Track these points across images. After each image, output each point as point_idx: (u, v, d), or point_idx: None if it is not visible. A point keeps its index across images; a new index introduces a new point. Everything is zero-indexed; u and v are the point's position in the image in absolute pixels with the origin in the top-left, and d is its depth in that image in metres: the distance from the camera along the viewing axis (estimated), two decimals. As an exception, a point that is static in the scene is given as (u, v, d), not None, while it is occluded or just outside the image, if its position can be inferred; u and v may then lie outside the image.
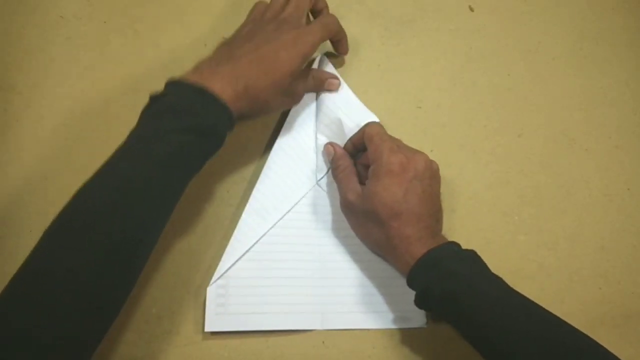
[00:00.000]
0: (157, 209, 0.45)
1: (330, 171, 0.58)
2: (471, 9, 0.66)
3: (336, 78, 0.60)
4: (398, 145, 0.53)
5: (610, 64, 0.65)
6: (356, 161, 0.57)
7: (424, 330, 0.53)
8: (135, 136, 0.46)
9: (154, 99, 0.47)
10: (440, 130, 0.61)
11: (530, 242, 0.57)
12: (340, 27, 0.58)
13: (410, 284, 0.49)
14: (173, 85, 0.47)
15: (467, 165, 0.60)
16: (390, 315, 0.54)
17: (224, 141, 0.48)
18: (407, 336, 0.53)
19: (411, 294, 0.53)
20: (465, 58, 0.64)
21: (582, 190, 0.60)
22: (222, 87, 0.47)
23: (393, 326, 0.53)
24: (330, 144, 0.58)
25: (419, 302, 0.49)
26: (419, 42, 0.64)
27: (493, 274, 0.48)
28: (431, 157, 0.57)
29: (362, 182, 0.55)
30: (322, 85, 0.59)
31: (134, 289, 0.45)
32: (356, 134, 0.56)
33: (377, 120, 0.60)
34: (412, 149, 0.54)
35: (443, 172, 0.57)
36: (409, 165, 0.51)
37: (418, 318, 0.53)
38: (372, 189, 0.51)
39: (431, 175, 0.52)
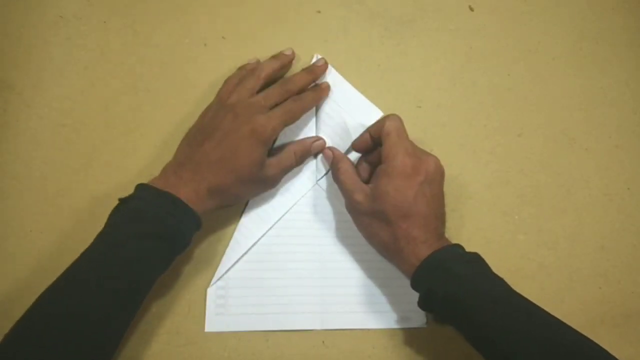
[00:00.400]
0: (119, 310, 0.46)
1: (330, 172, 0.58)
2: (471, 9, 0.66)
3: (320, 139, 0.58)
4: (412, 146, 0.53)
5: (610, 64, 0.65)
6: (361, 159, 0.57)
7: (424, 330, 0.53)
8: (100, 241, 0.47)
9: (123, 202, 0.48)
10: (440, 129, 0.61)
11: (530, 242, 0.57)
12: (305, 110, 0.57)
13: (414, 285, 0.49)
14: (141, 190, 0.49)
15: (467, 164, 0.60)
16: (390, 315, 0.54)
17: (190, 242, 0.50)
18: (407, 336, 0.53)
19: (411, 294, 0.53)
20: (465, 58, 0.64)
21: (582, 189, 0.60)
22: (186, 192, 0.49)
23: (393, 326, 0.53)
24: (329, 148, 0.58)
25: (423, 303, 0.49)
26: (419, 42, 0.64)
27: (495, 276, 0.48)
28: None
29: (363, 181, 0.55)
30: (307, 153, 0.57)
31: None
32: (375, 124, 0.56)
33: (381, 113, 0.61)
34: (424, 151, 0.54)
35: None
36: (420, 168, 0.51)
37: (418, 318, 0.53)
38: (383, 188, 0.51)
39: (440, 179, 0.53)
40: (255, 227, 0.55)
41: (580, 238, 0.58)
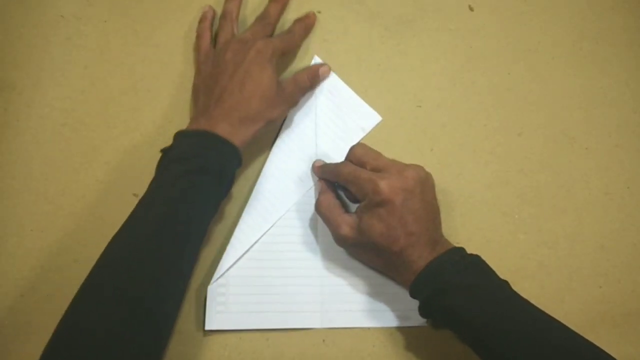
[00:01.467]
0: (184, 248, 0.48)
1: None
2: (471, 9, 0.66)
3: (324, 65, 0.61)
4: (379, 167, 0.51)
5: (610, 64, 0.65)
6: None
7: (424, 329, 0.53)
8: (150, 188, 0.49)
9: (164, 151, 0.51)
10: (440, 129, 0.61)
11: (530, 241, 0.57)
12: (298, 41, 0.61)
13: (413, 297, 0.50)
14: (179, 135, 0.52)
15: (467, 164, 0.60)
16: (390, 314, 0.54)
17: (233, 179, 0.52)
18: (407, 335, 0.53)
19: None
20: (465, 58, 0.64)
21: (582, 189, 0.60)
22: (222, 127, 0.51)
23: (393, 325, 0.53)
24: (319, 180, 0.57)
25: (422, 313, 0.50)
26: (419, 42, 0.64)
27: (495, 280, 0.48)
28: (431, 156, 0.57)
29: (352, 200, 0.55)
30: (317, 78, 0.60)
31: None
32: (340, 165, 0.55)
33: (378, 118, 0.61)
34: (394, 165, 0.52)
35: (443, 171, 0.57)
36: (396, 188, 0.49)
37: (418, 317, 0.53)
38: (367, 221, 0.50)
39: (422, 188, 0.51)
40: (255, 225, 0.55)
41: (580, 238, 0.58)
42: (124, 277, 0.44)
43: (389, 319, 0.54)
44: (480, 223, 0.58)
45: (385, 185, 0.49)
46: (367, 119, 0.60)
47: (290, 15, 0.64)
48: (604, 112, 0.63)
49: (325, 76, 0.60)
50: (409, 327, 0.53)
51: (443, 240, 0.52)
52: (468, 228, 0.57)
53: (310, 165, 0.58)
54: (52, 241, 0.54)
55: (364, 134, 0.60)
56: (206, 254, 0.55)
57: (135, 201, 0.54)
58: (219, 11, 0.62)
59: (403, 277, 0.51)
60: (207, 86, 0.54)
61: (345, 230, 0.52)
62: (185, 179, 0.48)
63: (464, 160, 0.60)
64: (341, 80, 0.61)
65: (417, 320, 0.53)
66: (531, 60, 0.64)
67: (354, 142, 0.59)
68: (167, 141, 0.58)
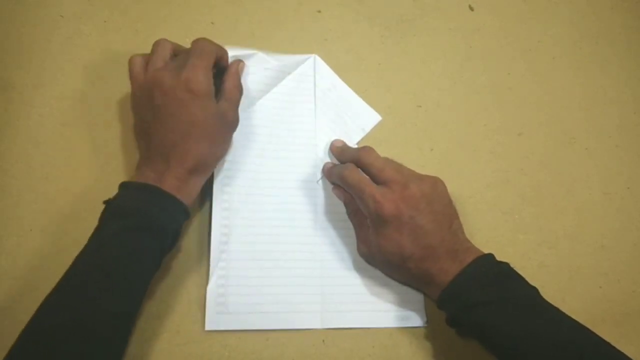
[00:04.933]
0: (120, 310, 0.45)
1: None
2: (471, 8, 0.66)
3: (239, 62, 0.56)
4: (383, 180, 0.50)
5: (610, 64, 0.65)
6: None
7: (424, 329, 0.53)
8: (89, 243, 0.46)
9: (107, 202, 0.48)
10: (440, 129, 0.61)
11: (531, 241, 0.57)
12: (216, 45, 0.53)
13: (440, 309, 0.50)
14: (122, 187, 0.48)
15: (467, 164, 0.60)
16: (390, 315, 0.54)
17: (179, 232, 0.49)
18: (407, 335, 0.53)
19: (411, 293, 0.54)
20: (465, 57, 0.64)
21: (582, 189, 0.60)
22: (169, 182, 0.47)
23: (393, 325, 0.53)
24: (337, 187, 0.56)
25: (449, 324, 0.50)
26: (419, 42, 0.64)
27: (524, 290, 0.47)
28: (431, 156, 0.57)
29: None
30: (239, 81, 0.54)
31: None
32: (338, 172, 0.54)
33: (378, 118, 0.60)
34: (399, 179, 0.50)
35: (443, 171, 0.57)
36: (401, 204, 0.48)
37: (418, 317, 0.53)
38: (376, 242, 0.50)
39: (428, 200, 0.49)
40: (255, 225, 0.56)
41: (580, 237, 0.58)
42: (50, 348, 0.41)
43: (389, 319, 0.53)
44: (481, 223, 0.58)
45: (388, 204, 0.48)
46: (367, 119, 0.60)
47: (291, 14, 0.64)
48: (604, 112, 0.63)
49: (242, 71, 0.56)
50: (409, 327, 0.53)
51: (466, 246, 0.50)
52: (468, 228, 0.57)
53: (310, 165, 0.58)
54: (52, 241, 0.54)
55: (364, 134, 0.60)
56: (206, 254, 0.54)
57: (135, 201, 0.54)
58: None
59: (427, 290, 0.51)
60: (144, 131, 0.50)
61: (364, 247, 0.53)
62: (124, 237, 0.45)
63: (464, 160, 0.60)
64: (341, 80, 0.61)
65: (417, 320, 0.53)
66: (531, 60, 0.65)
67: (354, 142, 0.60)
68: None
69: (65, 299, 0.44)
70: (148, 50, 0.61)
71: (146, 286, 0.47)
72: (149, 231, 0.46)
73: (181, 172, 0.48)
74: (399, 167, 0.52)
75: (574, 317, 0.46)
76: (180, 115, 0.48)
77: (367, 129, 0.60)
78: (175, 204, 0.47)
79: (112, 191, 0.56)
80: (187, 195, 0.48)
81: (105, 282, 0.44)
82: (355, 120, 0.60)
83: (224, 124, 0.51)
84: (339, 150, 0.57)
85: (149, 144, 0.49)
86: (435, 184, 0.51)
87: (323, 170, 0.57)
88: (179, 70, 0.48)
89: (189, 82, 0.47)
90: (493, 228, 0.58)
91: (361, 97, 0.61)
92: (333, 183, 0.57)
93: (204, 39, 0.53)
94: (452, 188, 0.55)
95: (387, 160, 0.52)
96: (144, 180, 0.47)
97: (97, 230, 0.47)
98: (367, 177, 0.51)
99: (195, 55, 0.50)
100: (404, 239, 0.48)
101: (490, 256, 0.49)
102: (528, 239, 0.57)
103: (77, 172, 0.57)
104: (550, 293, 0.52)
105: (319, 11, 0.64)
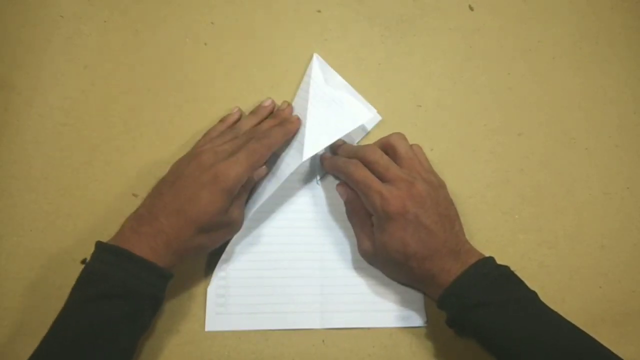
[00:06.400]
0: None
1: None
2: (471, 8, 0.66)
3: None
4: (389, 178, 0.50)
5: (609, 64, 0.65)
6: None
7: (424, 329, 0.53)
8: (62, 309, 0.45)
9: (84, 264, 0.47)
10: (440, 129, 0.61)
11: (531, 241, 0.57)
12: (273, 147, 0.53)
13: (441, 309, 0.50)
14: (97, 249, 0.47)
15: (467, 164, 0.60)
16: (390, 314, 0.54)
17: (160, 295, 0.47)
18: (406, 335, 0.53)
19: (411, 293, 0.54)
20: (465, 57, 0.64)
21: (582, 189, 0.60)
22: (141, 248, 0.46)
23: (393, 325, 0.53)
24: (342, 185, 0.57)
25: (449, 324, 0.50)
26: (419, 41, 0.64)
27: (523, 294, 0.48)
28: (431, 156, 0.57)
29: None
30: (250, 182, 0.54)
31: None
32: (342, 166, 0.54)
33: (378, 117, 0.61)
34: (404, 177, 0.50)
35: (443, 171, 0.57)
36: (406, 203, 0.48)
37: (418, 317, 0.53)
38: (380, 239, 0.50)
39: (433, 200, 0.50)
40: (255, 225, 0.55)
41: (580, 237, 0.58)
42: None
43: (389, 319, 0.53)
44: (481, 223, 0.58)
45: (394, 200, 0.48)
46: (362, 112, 0.60)
47: (291, 14, 0.64)
48: (604, 111, 0.63)
49: (260, 176, 0.55)
50: (409, 327, 0.53)
51: (467, 248, 0.51)
52: (468, 228, 0.57)
53: (311, 164, 0.58)
54: (52, 241, 0.54)
55: (364, 134, 0.60)
56: (206, 255, 0.54)
57: (135, 201, 0.54)
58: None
59: (429, 290, 0.51)
60: (158, 189, 0.50)
61: (367, 245, 0.53)
62: (94, 304, 0.44)
63: (464, 160, 0.60)
64: (342, 79, 0.61)
65: (417, 320, 0.53)
66: (531, 60, 0.64)
67: (355, 142, 0.59)
68: (167, 141, 0.58)
69: None
70: (148, 49, 0.61)
71: (130, 352, 0.46)
72: (121, 297, 0.44)
73: (159, 244, 0.46)
74: (401, 167, 0.52)
75: (574, 317, 0.46)
76: (192, 193, 0.47)
77: (368, 129, 0.60)
78: (152, 269, 0.46)
79: (113, 191, 0.56)
80: (165, 264, 0.47)
81: (79, 356, 0.43)
82: (349, 116, 0.59)
83: (224, 223, 0.49)
84: (339, 147, 0.57)
85: (153, 203, 0.48)
86: (439, 184, 0.52)
87: (322, 161, 0.57)
88: (224, 157, 0.49)
89: (219, 174, 0.48)
90: (493, 228, 0.58)
91: (361, 96, 0.61)
92: (335, 177, 0.57)
93: (277, 130, 0.54)
94: (452, 188, 0.55)
95: (390, 161, 0.52)
96: (120, 242, 0.46)
97: (69, 295, 0.45)
98: (378, 173, 0.51)
99: (247, 150, 0.50)
100: (408, 237, 0.48)
101: (491, 259, 0.49)
102: (528, 239, 0.57)
103: (77, 172, 0.57)
104: (550, 293, 0.52)
105: (319, 11, 0.64)
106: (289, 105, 0.59)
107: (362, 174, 0.51)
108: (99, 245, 0.47)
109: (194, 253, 0.49)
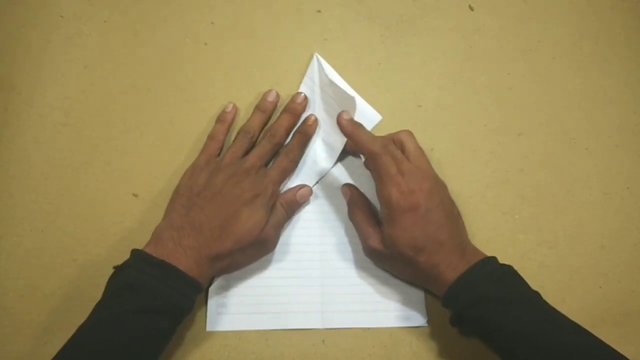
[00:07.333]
0: None
1: (331, 171, 0.58)
2: (471, 8, 0.66)
3: (304, 186, 0.56)
4: (403, 171, 0.50)
5: (609, 64, 0.65)
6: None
7: (424, 329, 0.53)
8: (97, 317, 0.44)
9: (118, 270, 0.47)
10: (440, 129, 0.61)
11: (531, 241, 0.57)
12: (297, 161, 0.57)
13: (445, 306, 0.49)
14: (136, 258, 0.47)
15: (467, 164, 0.60)
16: (390, 314, 0.54)
17: (192, 308, 0.48)
18: (407, 335, 0.53)
19: (411, 293, 0.54)
20: (465, 57, 0.64)
21: (582, 189, 0.60)
22: (187, 262, 0.47)
23: (393, 325, 0.53)
24: (347, 185, 0.57)
25: (452, 322, 0.50)
26: (419, 41, 0.64)
27: (527, 292, 0.48)
28: (431, 156, 0.57)
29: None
30: (295, 204, 0.56)
31: None
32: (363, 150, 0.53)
33: (378, 117, 0.61)
34: (416, 172, 0.50)
35: (443, 171, 0.57)
36: (419, 199, 0.49)
37: (418, 317, 0.53)
38: (391, 233, 0.50)
39: (441, 197, 0.51)
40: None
41: (580, 237, 0.58)
42: None
43: (389, 319, 0.54)
44: (480, 223, 0.58)
45: (406, 195, 0.49)
46: (367, 118, 0.60)
47: (291, 14, 0.64)
48: (604, 111, 0.63)
49: (304, 198, 0.56)
50: (409, 327, 0.53)
51: (471, 247, 0.51)
52: (468, 227, 0.57)
53: (310, 164, 0.58)
54: (52, 241, 0.54)
55: (364, 134, 0.60)
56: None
57: (135, 201, 0.54)
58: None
59: (434, 286, 0.51)
60: (191, 201, 0.51)
61: (374, 243, 0.52)
62: (136, 318, 0.44)
63: (464, 160, 0.60)
64: (342, 79, 0.61)
65: (417, 320, 0.53)
66: (531, 60, 0.64)
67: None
68: (167, 141, 0.58)
69: None
70: (148, 49, 0.61)
71: None
72: (164, 313, 0.45)
73: (203, 259, 0.48)
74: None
75: (574, 317, 0.46)
76: (235, 209, 0.50)
77: (368, 128, 0.60)
78: (194, 285, 0.47)
79: (113, 191, 0.56)
80: (203, 278, 0.49)
81: None
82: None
83: (260, 240, 0.51)
84: (351, 124, 0.54)
85: (188, 214, 0.50)
86: (444, 184, 0.53)
87: (338, 118, 0.54)
88: (255, 171, 0.53)
89: (260, 192, 0.51)
90: (493, 228, 0.58)
91: (361, 96, 0.61)
92: (334, 180, 0.57)
93: (299, 140, 0.57)
94: (452, 188, 0.55)
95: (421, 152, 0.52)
96: (161, 253, 0.47)
97: (105, 301, 0.45)
98: (395, 164, 0.51)
99: (279, 168, 0.55)
100: (418, 231, 0.49)
101: (495, 258, 0.50)
102: (528, 239, 0.57)
103: (77, 173, 0.57)
104: (550, 293, 0.52)
105: (319, 11, 0.64)
106: (305, 98, 0.59)
107: (389, 161, 0.51)
108: (141, 255, 0.47)
109: (230, 269, 0.52)
